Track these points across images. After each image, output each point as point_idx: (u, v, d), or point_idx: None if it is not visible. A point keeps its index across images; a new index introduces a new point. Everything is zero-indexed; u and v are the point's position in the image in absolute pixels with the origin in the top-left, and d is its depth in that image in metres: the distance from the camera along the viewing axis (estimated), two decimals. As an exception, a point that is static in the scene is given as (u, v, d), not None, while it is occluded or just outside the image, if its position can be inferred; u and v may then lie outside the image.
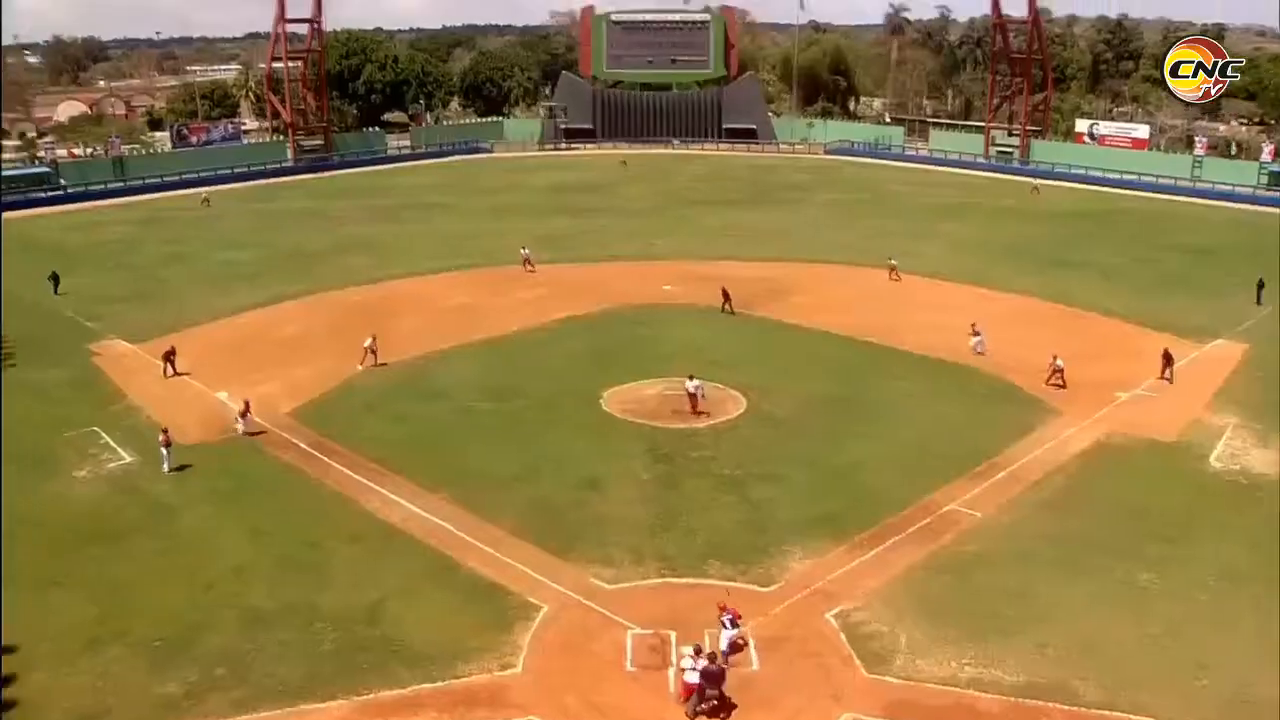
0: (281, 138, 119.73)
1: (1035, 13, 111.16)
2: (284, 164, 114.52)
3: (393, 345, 47.29)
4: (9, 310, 56.15)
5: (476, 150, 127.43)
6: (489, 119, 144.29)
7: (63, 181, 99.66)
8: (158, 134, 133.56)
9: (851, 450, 36.83)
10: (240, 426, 38.38)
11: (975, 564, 29.23)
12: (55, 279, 60.51)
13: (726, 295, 54.10)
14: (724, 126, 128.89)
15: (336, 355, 46.96)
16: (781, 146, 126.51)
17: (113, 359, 48.36)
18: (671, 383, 42.19)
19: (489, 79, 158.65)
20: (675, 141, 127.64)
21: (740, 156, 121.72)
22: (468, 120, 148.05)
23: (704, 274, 60.30)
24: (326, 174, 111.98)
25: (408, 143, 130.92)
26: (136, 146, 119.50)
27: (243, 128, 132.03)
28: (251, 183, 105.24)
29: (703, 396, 39.98)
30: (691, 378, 40.14)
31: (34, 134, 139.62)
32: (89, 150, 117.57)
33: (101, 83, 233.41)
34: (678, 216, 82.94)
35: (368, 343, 45.99)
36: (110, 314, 55.44)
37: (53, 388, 44.47)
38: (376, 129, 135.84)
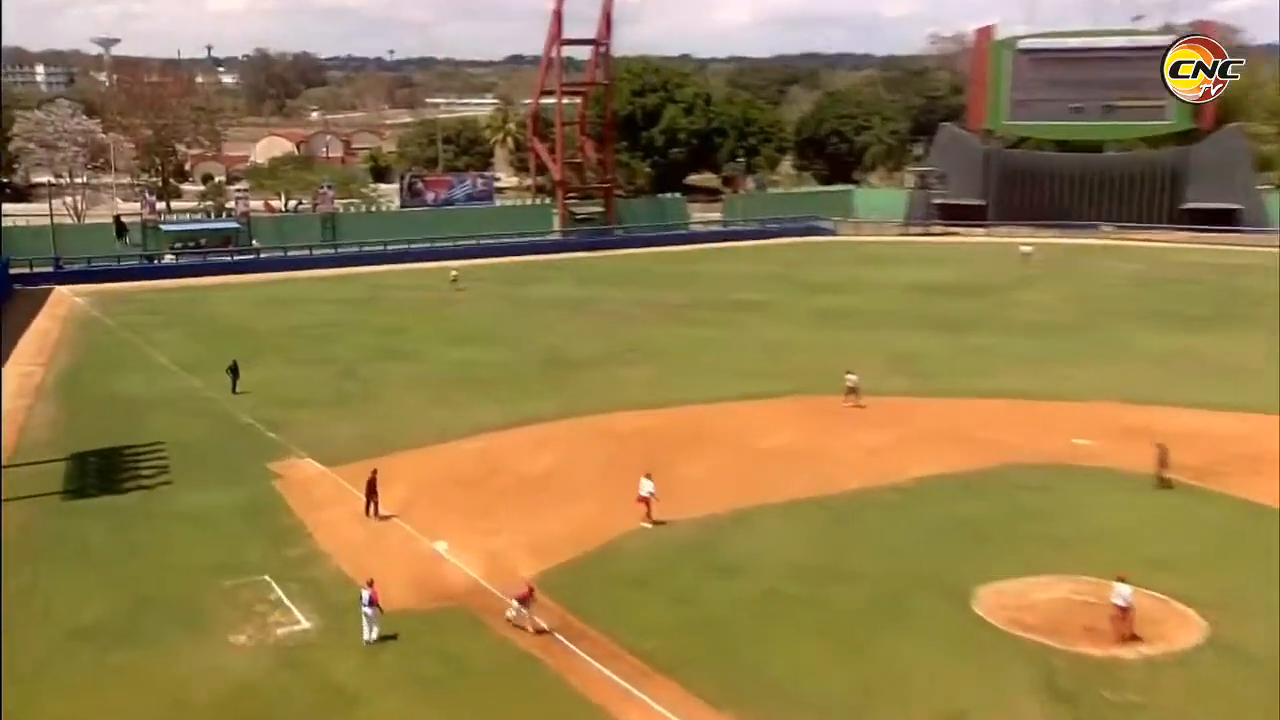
0: (548, 200, 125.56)
1: None
2: (549, 236, 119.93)
3: (677, 495, 47.93)
4: (175, 408, 60.81)
5: (813, 231, 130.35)
6: (833, 187, 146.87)
7: (255, 243, 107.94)
8: (383, 186, 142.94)
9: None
10: (517, 615, 37.66)
11: None
12: (234, 371, 65.27)
13: (1164, 458, 52.10)
14: (1184, 205, 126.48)
15: (599, 504, 48.19)
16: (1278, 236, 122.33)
17: (298, 484, 51.50)
18: (1082, 584, 40.83)
19: (836, 131, 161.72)
20: (1105, 226, 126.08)
21: (1206, 250, 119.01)
22: (803, 188, 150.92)
23: (1135, 424, 58.79)
24: (604, 252, 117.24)
25: (718, 216, 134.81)
26: (355, 201, 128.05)
27: (496, 184, 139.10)
28: (503, 259, 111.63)
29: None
30: (1122, 581, 38.63)
31: (223, 178, 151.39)
32: (293, 203, 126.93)
33: (315, 114, 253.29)
34: (1100, 338, 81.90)
35: (646, 490, 46.76)
36: (300, 423, 59.42)
37: (217, 518, 47.48)
38: (676, 195, 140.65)
